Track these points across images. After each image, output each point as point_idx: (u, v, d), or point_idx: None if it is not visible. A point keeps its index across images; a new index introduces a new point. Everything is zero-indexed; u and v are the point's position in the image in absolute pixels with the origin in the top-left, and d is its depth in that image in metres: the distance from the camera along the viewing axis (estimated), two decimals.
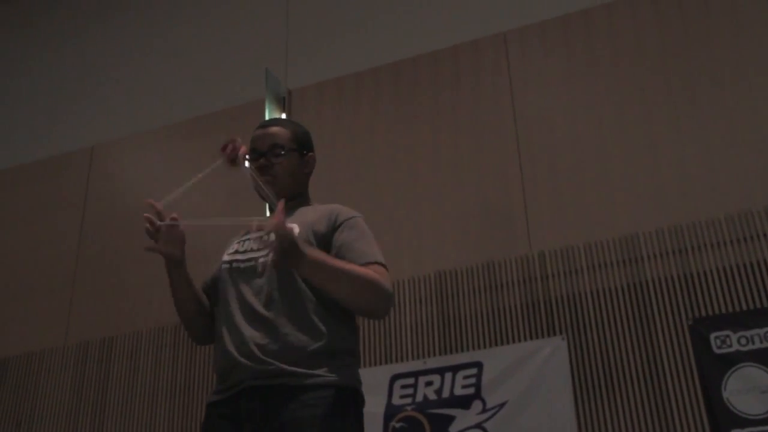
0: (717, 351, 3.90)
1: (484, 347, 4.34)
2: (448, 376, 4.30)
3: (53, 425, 5.15)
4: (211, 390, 2.03)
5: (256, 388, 1.86)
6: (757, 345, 3.84)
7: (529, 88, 5.02)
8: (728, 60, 4.62)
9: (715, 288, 4.06)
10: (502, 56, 5.17)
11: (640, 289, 4.21)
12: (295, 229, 2.01)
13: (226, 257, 2.11)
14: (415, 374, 4.37)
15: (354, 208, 2.14)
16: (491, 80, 5.13)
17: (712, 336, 3.94)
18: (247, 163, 2.07)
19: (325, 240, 2.01)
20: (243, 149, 2.04)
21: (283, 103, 5.60)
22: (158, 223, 1.99)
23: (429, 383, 4.32)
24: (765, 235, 4.10)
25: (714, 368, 3.86)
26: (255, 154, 2.13)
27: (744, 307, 3.96)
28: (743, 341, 3.87)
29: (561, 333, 4.23)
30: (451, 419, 4.17)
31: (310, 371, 1.86)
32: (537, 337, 4.26)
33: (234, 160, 2.03)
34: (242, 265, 2.03)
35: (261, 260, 2.01)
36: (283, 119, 2.37)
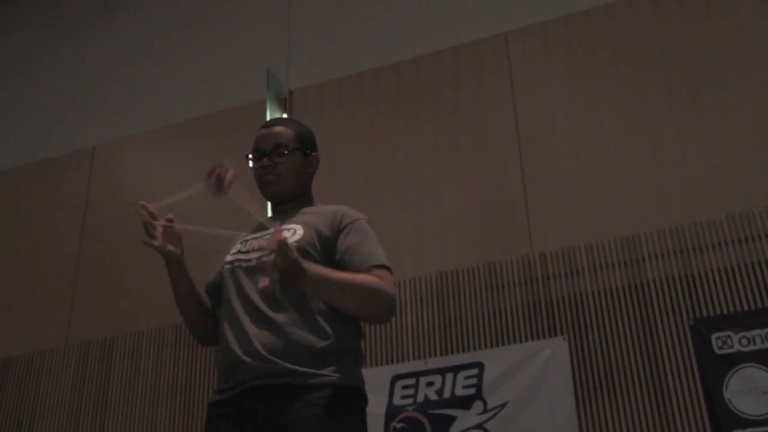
0: (718, 351, 3.89)
1: (485, 348, 4.34)
2: (449, 376, 4.30)
3: (55, 425, 5.15)
4: (212, 389, 2.02)
5: (260, 387, 1.85)
6: (759, 345, 3.84)
7: (530, 88, 5.02)
8: (729, 60, 4.62)
9: (716, 288, 4.06)
10: (504, 56, 5.17)
11: (641, 289, 4.21)
12: (298, 230, 2.01)
13: (228, 257, 2.10)
14: (416, 374, 4.37)
15: (355, 208, 2.14)
16: (492, 80, 5.13)
17: (714, 336, 3.93)
18: (232, 189, 1.98)
19: (328, 242, 2.01)
20: (231, 172, 1.99)
21: (284, 104, 5.59)
22: (154, 222, 2.00)
23: (430, 383, 4.31)
24: (766, 235, 4.10)
25: (715, 369, 3.86)
26: (258, 154, 2.13)
27: (745, 308, 3.96)
28: (744, 342, 3.87)
29: (562, 333, 4.22)
30: (452, 420, 4.17)
31: (315, 371, 1.86)
32: (538, 338, 4.26)
33: (220, 186, 1.97)
34: (245, 265, 2.03)
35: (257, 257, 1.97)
36: (287, 119, 2.37)
